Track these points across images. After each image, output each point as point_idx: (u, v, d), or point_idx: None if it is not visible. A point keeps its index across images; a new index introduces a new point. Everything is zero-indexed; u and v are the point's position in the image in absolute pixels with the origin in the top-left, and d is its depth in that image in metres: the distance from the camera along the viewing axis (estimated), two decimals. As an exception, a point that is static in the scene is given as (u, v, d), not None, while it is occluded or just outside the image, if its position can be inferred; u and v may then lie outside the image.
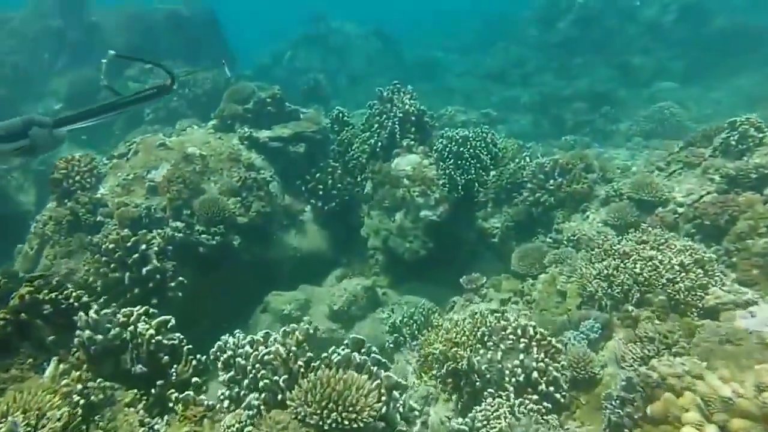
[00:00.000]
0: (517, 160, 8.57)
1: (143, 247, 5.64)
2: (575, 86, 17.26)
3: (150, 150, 7.16)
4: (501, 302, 6.40)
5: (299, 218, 8.11)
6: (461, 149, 7.19)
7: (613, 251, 5.12)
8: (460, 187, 7.03)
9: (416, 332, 5.70)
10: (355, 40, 24.26)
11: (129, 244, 5.60)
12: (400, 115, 7.92)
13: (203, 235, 6.59)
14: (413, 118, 7.99)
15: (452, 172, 7.05)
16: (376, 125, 8.18)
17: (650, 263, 4.74)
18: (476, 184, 7.17)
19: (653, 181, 6.74)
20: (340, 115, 9.09)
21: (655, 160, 7.79)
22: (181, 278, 5.86)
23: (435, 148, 7.46)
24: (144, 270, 5.55)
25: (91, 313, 3.50)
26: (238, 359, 3.49)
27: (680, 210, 6.15)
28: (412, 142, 7.83)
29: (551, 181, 7.50)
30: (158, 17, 16.38)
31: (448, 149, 7.23)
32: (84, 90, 13.52)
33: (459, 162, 7.14)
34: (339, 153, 8.70)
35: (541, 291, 5.81)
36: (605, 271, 4.90)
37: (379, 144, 7.96)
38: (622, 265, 4.86)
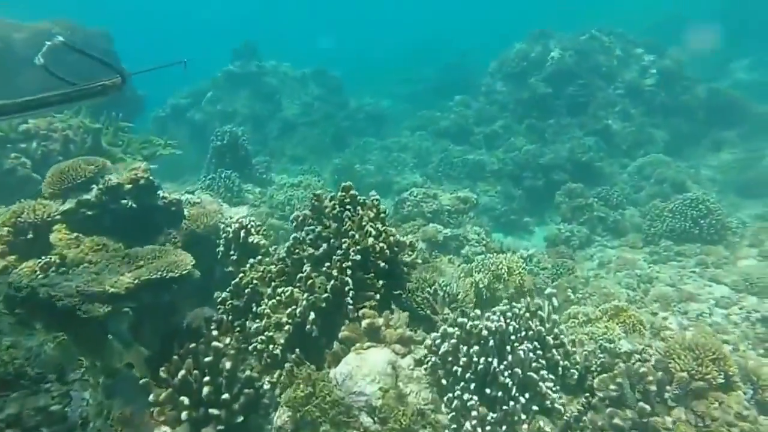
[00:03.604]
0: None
1: None
2: (555, 153, 14.28)
3: None
4: None
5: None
6: (491, 360, 3.26)
7: None
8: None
9: None
10: (292, 82, 20.60)
11: None
12: (356, 257, 3.92)
13: None
14: (381, 263, 4.00)
15: (475, 422, 3.06)
16: (306, 269, 4.13)
17: None
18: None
19: None
20: (242, 232, 4.93)
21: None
22: None
23: (434, 344, 3.45)
24: None
25: None
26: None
27: None
28: (379, 318, 3.81)
29: (666, 418, 3.68)
30: (16, 38, 11.72)
31: (461, 358, 3.26)
32: None
33: (487, 392, 3.20)
34: (234, 311, 4.49)
35: None
36: None
37: (311, 316, 3.89)
38: None
